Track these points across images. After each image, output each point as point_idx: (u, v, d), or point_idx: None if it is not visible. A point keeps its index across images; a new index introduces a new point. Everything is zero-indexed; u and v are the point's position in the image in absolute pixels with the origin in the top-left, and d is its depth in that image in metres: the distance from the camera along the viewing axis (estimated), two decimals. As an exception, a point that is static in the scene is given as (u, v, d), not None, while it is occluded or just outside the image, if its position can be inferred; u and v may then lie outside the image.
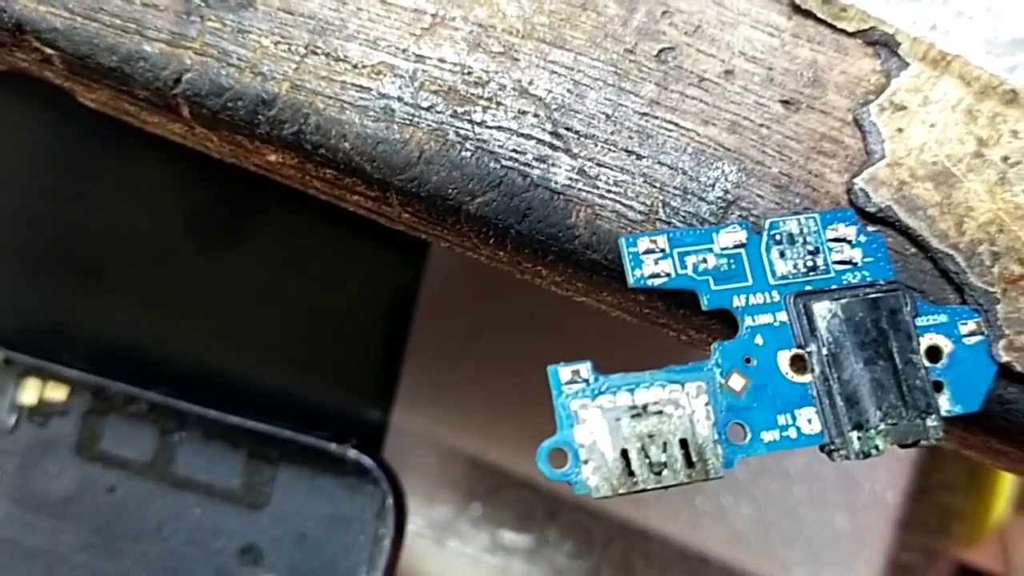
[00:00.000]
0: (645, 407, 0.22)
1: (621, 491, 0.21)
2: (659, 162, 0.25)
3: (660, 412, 0.22)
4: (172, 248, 0.37)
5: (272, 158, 0.26)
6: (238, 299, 0.38)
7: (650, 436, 0.22)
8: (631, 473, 0.22)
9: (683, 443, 0.22)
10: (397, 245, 0.38)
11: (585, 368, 0.22)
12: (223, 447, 0.35)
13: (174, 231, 0.37)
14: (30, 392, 0.35)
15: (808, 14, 0.25)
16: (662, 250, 0.23)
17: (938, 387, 0.23)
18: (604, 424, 0.22)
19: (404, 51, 0.25)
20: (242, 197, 0.37)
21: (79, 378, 0.35)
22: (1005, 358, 0.24)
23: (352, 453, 0.34)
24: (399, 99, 0.25)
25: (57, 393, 0.35)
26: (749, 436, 0.22)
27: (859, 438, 0.22)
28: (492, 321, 0.42)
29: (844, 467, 0.43)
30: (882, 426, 0.22)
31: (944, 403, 0.23)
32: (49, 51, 0.26)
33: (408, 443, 0.42)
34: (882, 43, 0.25)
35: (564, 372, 0.22)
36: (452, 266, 0.40)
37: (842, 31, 0.25)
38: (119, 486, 0.35)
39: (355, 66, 0.25)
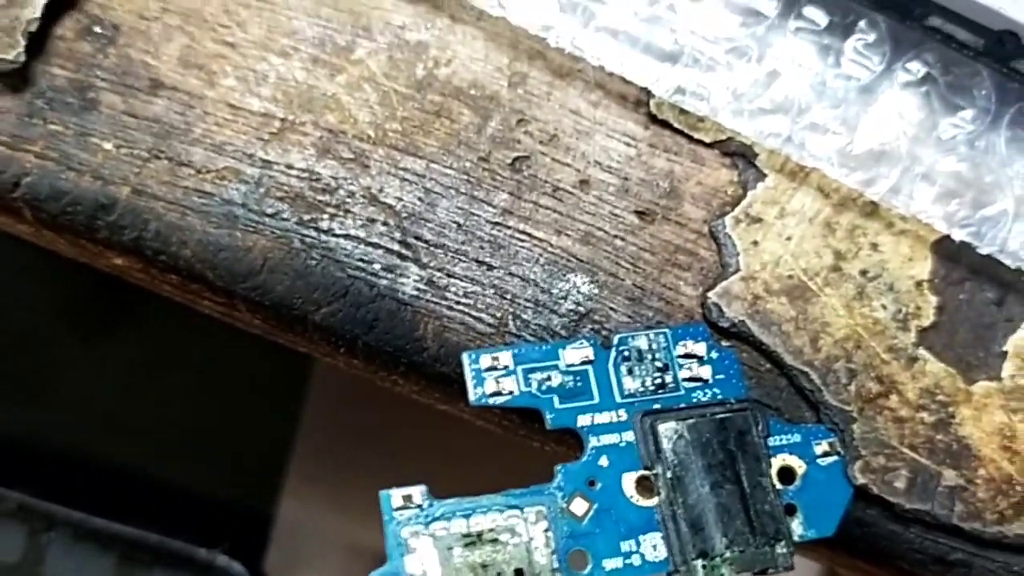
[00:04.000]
0: (480, 535, 0.21)
1: (449, 626, 0.20)
2: (511, 273, 0.24)
3: (495, 540, 0.21)
4: (44, 338, 0.36)
5: (118, 262, 0.25)
6: (116, 391, 0.36)
7: (483, 566, 0.21)
8: (461, 606, 0.20)
9: (519, 573, 0.21)
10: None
11: (419, 492, 0.21)
12: (94, 549, 0.34)
13: (48, 319, 0.36)
14: None
15: (665, 124, 0.25)
16: (505, 367, 0.22)
17: (791, 510, 0.22)
18: (435, 553, 0.21)
19: (250, 156, 0.24)
20: (122, 283, 0.36)
21: (-59, 477, 0.34)
22: (861, 480, 0.23)
23: (222, 560, 0.32)
24: (243, 205, 0.24)
25: (-81, 492, 0.34)
26: (590, 564, 0.21)
27: (704, 566, 0.21)
28: (393, 408, 0.41)
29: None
30: (728, 554, 0.21)
31: (797, 527, 0.22)
32: None
33: (304, 536, 0.40)
34: (739, 154, 0.25)
35: (396, 497, 0.21)
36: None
37: (699, 141, 0.25)
38: (-19, 590, 0.33)
39: (199, 171, 0.24)
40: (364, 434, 0.41)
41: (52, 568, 0.34)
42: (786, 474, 0.23)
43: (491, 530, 0.21)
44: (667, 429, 0.22)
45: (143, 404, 0.37)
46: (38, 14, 0.24)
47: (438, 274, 0.24)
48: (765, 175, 0.25)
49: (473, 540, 0.21)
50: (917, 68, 0.24)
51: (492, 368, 0.22)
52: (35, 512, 0.34)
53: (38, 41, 0.24)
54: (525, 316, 0.24)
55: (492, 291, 0.24)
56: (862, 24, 0.24)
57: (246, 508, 0.37)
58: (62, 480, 0.35)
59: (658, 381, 0.23)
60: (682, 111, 0.25)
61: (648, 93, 0.25)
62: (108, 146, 0.24)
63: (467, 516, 0.21)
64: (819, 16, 0.24)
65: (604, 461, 0.22)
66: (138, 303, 0.37)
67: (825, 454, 0.23)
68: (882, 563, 0.24)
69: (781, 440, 0.23)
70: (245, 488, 0.37)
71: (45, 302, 0.36)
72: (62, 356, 0.36)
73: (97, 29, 0.25)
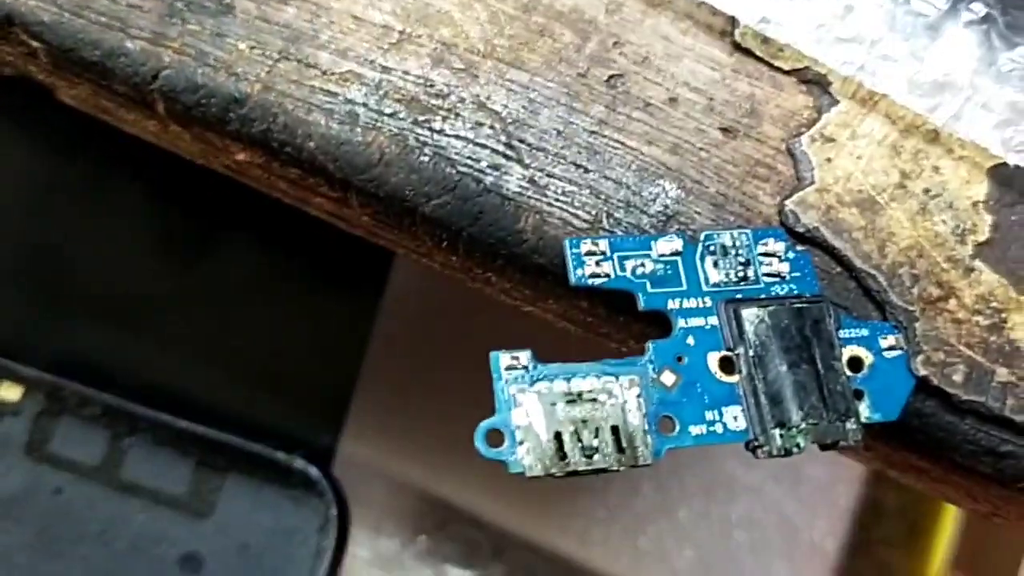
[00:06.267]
0: (580, 394, 0.23)
1: (553, 471, 0.22)
2: (605, 176, 0.26)
3: (594, 400, 0.23)
4: (138, 264, 0.38)
5: (240, 156, 0.27)
6: (199, 316, 0.39)
7: (583, 421, 0.23)
8: (563, 456, 0.22)
9: (615, 430, 0.23)
10: (356, 277, 0.39)
11: (525, 356, 0.23)
12: (173, 453, 0.35)
13: (141, 249, 0.38)
14: (-17, 391, 0.36)
15: (748, 52, 0.27)
16: (603, 253, 0.25)
17: (859, 395, 0.25)
18: (540, 408, 0.23)
19: (371, 62, 0.27)
20: (210, 221, 0.39)
21: (34, 377, 0.36)
22: (923, 372, 0.25)
23: (299, 463, 0.34)
24: (364, 105, 0.26)
25: (11, 393, 0.36)
26: (678, 428, 0.23)
27: (781, 435, 0.23)
28: (446, 356, 0.43)
29: (784, 515, 0.44)
30: (803, 425, 0.23)
31: (864, 411, 0.24)
32: (35, 44, 0.27)
33: (357, 473, 0.42)
34: (815, 81, 0.27)
35: (504, 358, 0.23)
36: (408, 301, 0.41)
37: (778, 69, 0.27)
38: (65, 488, 0.35)
39: (324, 73, 0.26)
40: (424, 376, 0.43)
41: (131, 471, 0.35)
42: (855, 363, 0.25)
43: (590, 391, 0.23)
44: (750, 314, 0.24)
45: (221, 329, 0.39)
46: (183, -74, 0.27)
47: (539, 174, 0.26)
48: (838, 101, 0.27)
49: (574, 399, 0.23)
50: (979, 8, 0.26)
51: (591, 253, 0.25)
52: (119, 415, 0.36)
53: (180, -48, 0.27)
54: (617, 215, 0.26)
55: (588, 191, 0.26)
56: (932, -35, 0.27)
57: (312, 437, 0.39)
58: (145, 392, 0.37)
59: (740, 275, 0.25)
60: (764, 40, 0.27)
61: (734, 23, 0.27)
62: (242, 46, 0.27)
63: (568, 379, 0.23)
64: (893, -44, 0.27)
65: (691, 340, 0.24)
66: (223, 238, 0.39)
67: (890, 348, 0.25)
68: (938, 455, 0.26)
69: (851, 333, 0.25)
70: (312, 417, 0.39)
71: (138, 235, 0.38)
72: (151, 282, 0.38)
73: (234, -56, 0.27)
